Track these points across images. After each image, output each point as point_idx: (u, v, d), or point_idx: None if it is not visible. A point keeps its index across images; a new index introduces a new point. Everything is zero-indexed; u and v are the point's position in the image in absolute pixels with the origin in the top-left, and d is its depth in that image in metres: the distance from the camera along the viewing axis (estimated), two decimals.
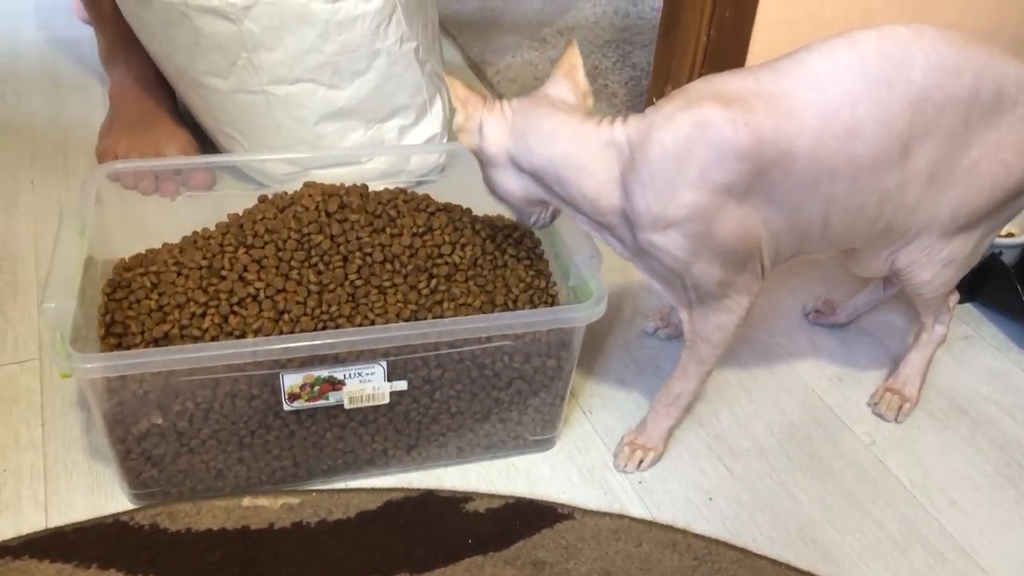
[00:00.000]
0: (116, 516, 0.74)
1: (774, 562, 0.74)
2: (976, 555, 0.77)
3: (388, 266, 0.78)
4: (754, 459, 0.85)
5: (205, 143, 1.23)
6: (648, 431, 0.83)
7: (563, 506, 0.78)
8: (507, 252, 0.82)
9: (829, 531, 0.78)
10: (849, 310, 1.01)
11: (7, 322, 0.94)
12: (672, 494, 0.81)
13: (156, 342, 0.72)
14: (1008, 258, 1.02)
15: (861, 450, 0.87)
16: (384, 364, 0.72)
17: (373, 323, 0.74)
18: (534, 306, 0.80)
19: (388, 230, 0.80)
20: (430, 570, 0.71)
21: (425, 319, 0.76)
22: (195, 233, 0.81)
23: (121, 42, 1.24)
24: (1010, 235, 1.05)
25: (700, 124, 0.65)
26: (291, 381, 0.71)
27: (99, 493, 0.77)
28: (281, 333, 0.72)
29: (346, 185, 0.84)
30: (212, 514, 0.74)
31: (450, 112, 1.19)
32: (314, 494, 0.76)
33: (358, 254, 0.78)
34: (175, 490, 0.76)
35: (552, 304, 0.82)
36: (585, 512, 0.77)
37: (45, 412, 0.84)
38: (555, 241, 0.84)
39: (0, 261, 1.03)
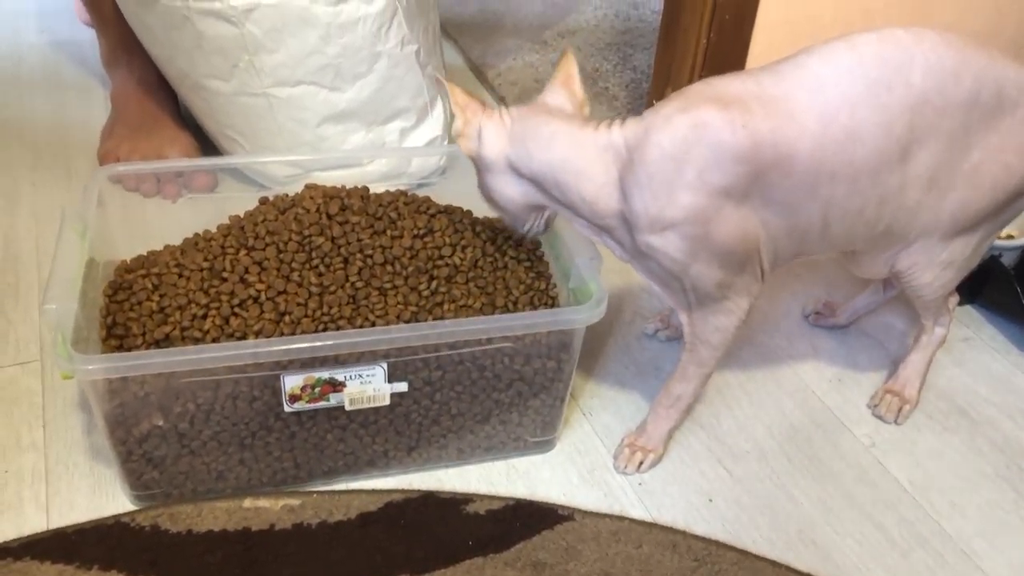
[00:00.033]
0: (117, 517, 0.74)
1: (774, 564, 0.74)
2: (976, 557, 0.77)
3: (389, 268, 0.78)
4: (754, 461, 0.85)
5: (207, 145, 1.23)
6: (648, 433, 0.83)
7: (563, 508, 0.78)
8: (507, 254, 0.82)
9: (829, 533, 0.78)
10: (849, 312, 1.01)
11: (9, 324, 0.95)
12: (672, 496, 0.81)
13: (157, 344, 0.72)
14: (1008, 260, 1.02)
15: (861, 452, 0.87)
16: (385, 366, 0.72)
17: (374, 325, 0.74)
18: (534, 308, 0.81)
19: (389, 232, 0.81)
20: (430, 571, 0.71)
21: (426, 321, 0.76)
22: (196, 235, 0.81)
23: (123, 45, 1.24)
24: (1010, 237, 1.06)
25: (698, 126, 0.65)
26: (292, 383, 0.71)
27: (100, 494, 0.77)
28: (282, 335, 0.73)
29: (347, 187, 0.84)
30: (213, 515, 0.74)
31: (450, 116, 1.19)
32: (315, 495, 0.77)
33: (359, 256, 0.78)
34: (176, 491, 0.76)
35: (552, 306, 0.82)
36: (585, 514, 0.77)
37: (47, 413, 0.84)
38: (555, 243, 0.84)
39: (2, 263, 1.03)
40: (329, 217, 0.80)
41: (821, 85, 0.66)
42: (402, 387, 0.74)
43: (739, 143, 0.65)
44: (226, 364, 0.68)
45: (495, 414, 0.80)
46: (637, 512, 0.79)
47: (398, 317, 0.75)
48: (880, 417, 0.90)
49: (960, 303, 0.94)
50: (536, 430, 0.82)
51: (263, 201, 0.83)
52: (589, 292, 0.75)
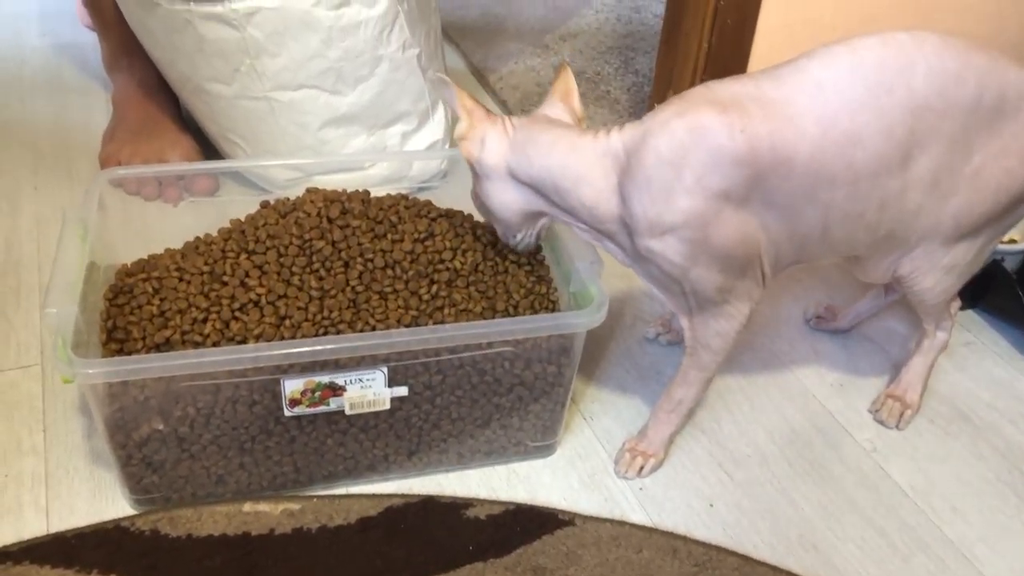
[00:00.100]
0: (117, 522, 0.74)
1: (775, 569, 0.74)
2: (978, 562, 0.77)
3: (389, 272, 0.78)
4: (755, 466, 0.85)
5: (208, 149, 1.23)
6: (649, 437, 0.83)
7: (564, 512, 0.77)
8: (508, 258, 0.82)
9: (830, 538, 0.78)
10: (851, 316, 1.01)
11: (10, 327, 0.95)
12: (673, 500, 0.81)
13: (158, 347, 0.72)
14: (1010, 265, 1.02)
15: (862, 457, 0.87)
16: (385, 370, 0.72)
17: (374, 329, 0.74)
18: (535, 312, 0.81)
19: (389, 236, 0.81)
20: None
21: (426, 325, 0.76)
22: (197, 239, 0.81)
23: (124, 48, 1.24)
24: (1012, 241, 1.05)
25: (695, 130, 0.65)
26: (292, 387, 0.71)
27: (100, 498, 0.77)
28: (282, 339, 0.73)
29: (348, 191, 0.84)
30: (213, 520, 0.74)
31: (452, 120, 1.19)
32: (315, 500, 0.77)
33: (359, 260, 0.78)
34: (176, 496, 0.76)
35: (553, 310, 0.82)
36: (586, 518, 0.77)
37: (47, 417, 0.84)
38: (556, 247, 0.84)
39: (3, 266, 1.03)
40: (330, 221, 0.80)
41: (821, 88, 0.66)
42: (402, 391, 0.74)
43: (737, 147, 0.65)
44: (226, 368, 0.67)
45: (496, 418, 0.80)
46: (638, 517, 0.79)
47: (399, 321, 0.75)
48: (882, 422, 0.90)
49: (962, 308, 0.94)
50: (537, 434, 0.82)
51: (264, 205, 0.83)
52: (590, 296, 0.75)
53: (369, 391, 0.73)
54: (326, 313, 0.74)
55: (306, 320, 0.74)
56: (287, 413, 0.72)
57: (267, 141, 1.13)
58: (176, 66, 1.11)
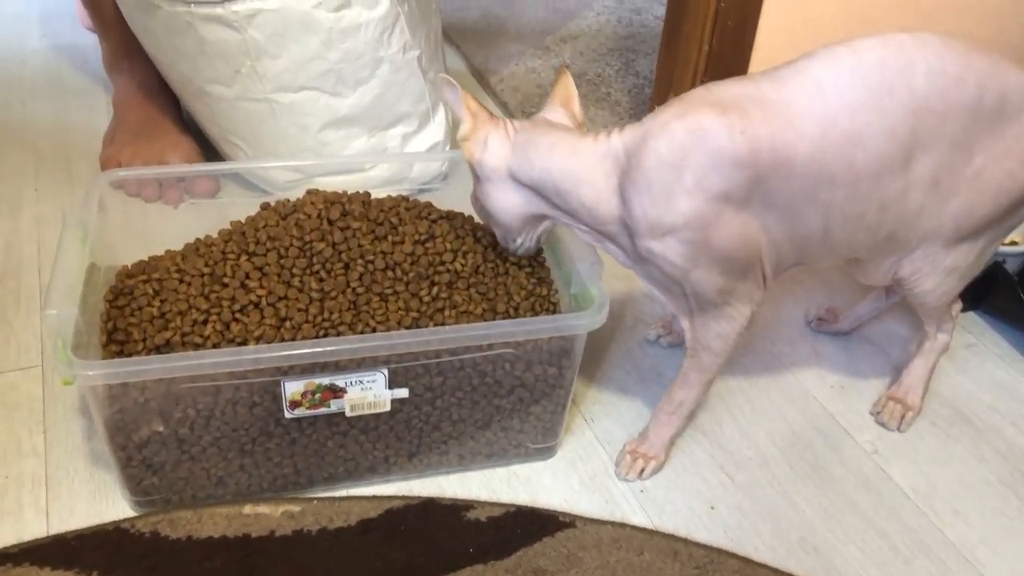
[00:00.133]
0: (117, 523, 0.74)
1: (776, 571, 0.74)
2: (979, 565, 0.77)
3: (390, 273, 0.78)
4: (756, 468, 0.85)
5: (208, 150, 1.23)
6: (650, 439, 0.83)
7: (564, 514, 0.77)
8: (508, 259, 0.82)
9: (831, 540, 0.78)
10: (852, 318, 1.01)
11: (10, 329, 0.95)
12: (674, 503, 0.81)
13: (158, 349, 0.72)
14: (1012, 267, 1.02)
15: (863, 459, 0.86)
16: (385, 372, 0.72)
17: (375, 331, 0.74)
18: (536, 314, 0.80)
19: (390, 237, 0.81)
20: None
21: (427, 327, 0.76)
22: (197, 240, 0.81)
23: (125, 49, 1.24)
24: (1013, 243, 1.05)
25: (695, 131, 0.65)
26: (292, 388, 0.71)
27: (100, 500, 0.77)
28: (283, 340, 0.72)
29: (348, 193, 0.84)
30: (213, 521, 0.74)
31: (452, 122, 1.19)
32: (315, 502, 0.76)
33: (360, 261, 0.78)
34: (176, 497, 0.76)
35: (554, 312, 0.82)
36: (586, 521, 0.77)
37: (47, 419, 0.84)
38: (557, 249, 0.84)
39: (4, 267, 1.03)
40: (330, 222, 0.80)
41: (821, 89, 0.66)
42: (403, 393, 0.74)
43: (737, 148, 0.65)
44: (226, 370, 0.67)
45: (496, 420, 0.79)
46: (638, 519, 0.79)
47: (399, 323, 0.75)
48: (883, 424, 0.90)
49: (963, 310, 0.94)
50: (537, 436, 0.82)
51: (264, 206, 0.83)
52: (591, 298, 0.75)
53: (370, 393, 0.73)
54: (326, 315, 0.74)
55: (306, 322, 0.73)
56: (287, 415, 0.72)
57: (268, 143, 1.13)
58: (177, 68, 1.11)
